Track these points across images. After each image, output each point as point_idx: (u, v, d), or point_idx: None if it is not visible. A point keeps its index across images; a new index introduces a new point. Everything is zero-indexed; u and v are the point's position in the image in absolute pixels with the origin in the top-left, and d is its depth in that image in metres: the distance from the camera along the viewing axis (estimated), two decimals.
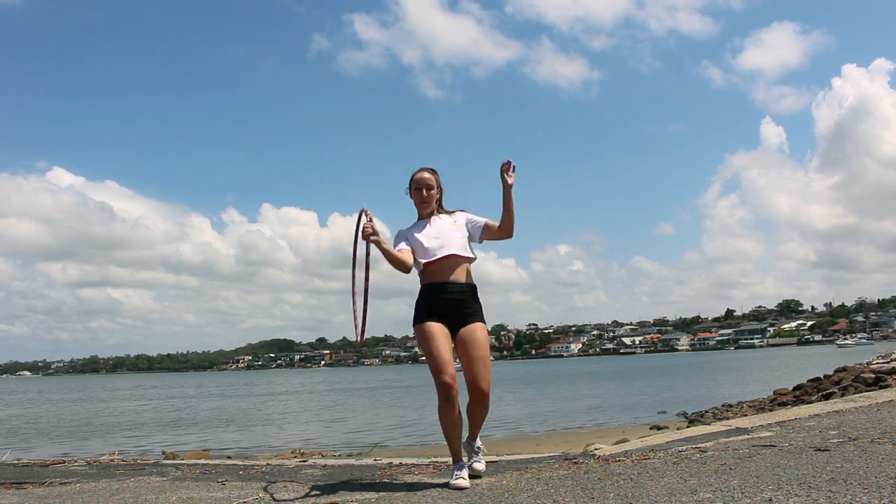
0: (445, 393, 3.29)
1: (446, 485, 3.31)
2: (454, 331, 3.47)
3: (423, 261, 3.50)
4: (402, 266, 3.47)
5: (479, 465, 3.64)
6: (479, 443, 3.68)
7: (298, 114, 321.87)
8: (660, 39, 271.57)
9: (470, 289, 3.57)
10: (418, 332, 3.49)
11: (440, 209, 3.72)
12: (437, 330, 3.41)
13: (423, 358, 3.47)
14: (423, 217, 3.69)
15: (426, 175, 3.66)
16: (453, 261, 3.51)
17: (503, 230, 3.56)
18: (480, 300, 3.61)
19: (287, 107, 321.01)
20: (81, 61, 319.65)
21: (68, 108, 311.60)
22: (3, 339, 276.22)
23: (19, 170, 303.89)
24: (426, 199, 3.64)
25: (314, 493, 3.36)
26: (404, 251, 3.51)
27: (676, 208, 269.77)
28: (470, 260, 3.59)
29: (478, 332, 3.46)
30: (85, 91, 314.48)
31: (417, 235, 3.57)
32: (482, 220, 3.65)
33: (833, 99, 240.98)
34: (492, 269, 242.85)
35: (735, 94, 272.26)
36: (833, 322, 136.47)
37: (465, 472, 3.34)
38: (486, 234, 3.64)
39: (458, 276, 3.52)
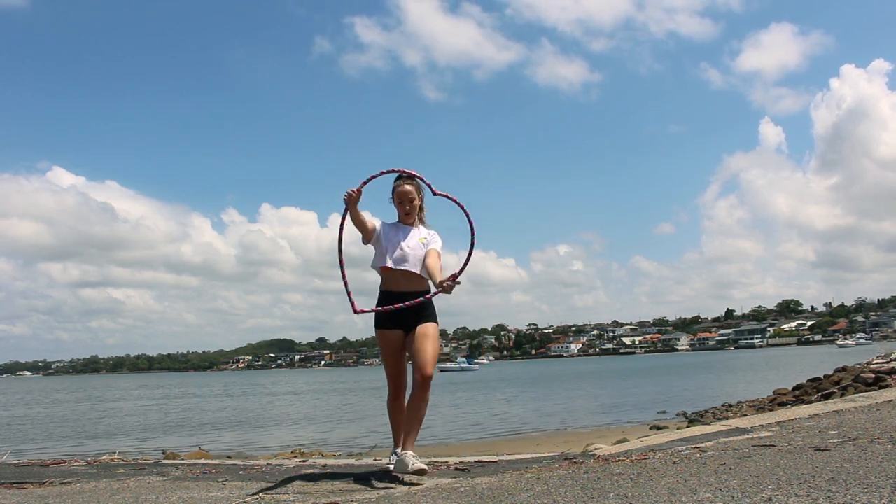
0: (395, 393, 3.98)
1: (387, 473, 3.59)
2: (409, 329, 3.81)
3: (381, 265, 3.83)
4: (361, 230, 3.83)
5: (420, 465, 3.53)
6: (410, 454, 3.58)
7: (299, 114, 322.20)
8: (659, 42, 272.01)
9: (423, 294, 3.83)
10: (378, 336, 3.92)
11: (421, 218, 4.02)
12: (394, 338, 3.85)
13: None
14: (406, 224, 3.98)
15: (408, 188, 3.91)
16: (411, 273, 3.82)
17: (427, 272, 3.78)
18: (435, 305, 3.91)
19: (287, 108, 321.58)
20: (82, 61, 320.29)
21: (69, 108, 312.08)
22: (3, 339, 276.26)
23: (20, 170, 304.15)
24: (409, 211, 3.94)
25: (314, 493, 3.36)
26: (371, 223, 3.86)
27: (676, 208, 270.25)
28: (424, 278, 3.84)
29: (429, 329, 3.78)
30: (86, 91, 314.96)
31: (391, 237, 3.87)
32: (430, 248, 3.86)
33: (831, 100, 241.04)
34: (492, 269, 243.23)
35: (734, 96, 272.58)
36: (833, 322, 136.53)
37: (409, 457, 3.53)
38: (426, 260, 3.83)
39: (413, 285, 3.84)
